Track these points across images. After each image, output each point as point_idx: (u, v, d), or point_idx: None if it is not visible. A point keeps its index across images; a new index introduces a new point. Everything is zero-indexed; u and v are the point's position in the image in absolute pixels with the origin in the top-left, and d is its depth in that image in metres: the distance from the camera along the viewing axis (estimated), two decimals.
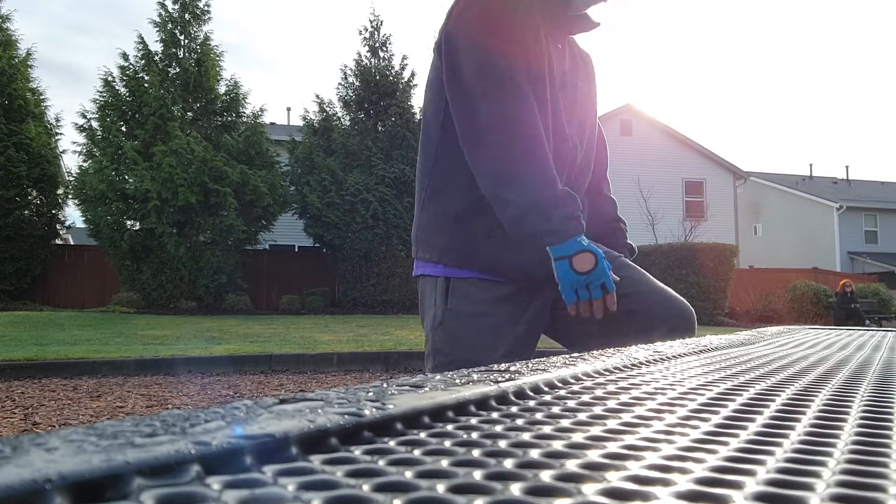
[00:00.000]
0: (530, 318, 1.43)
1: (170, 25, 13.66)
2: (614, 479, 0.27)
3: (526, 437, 0.35)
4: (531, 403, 0.45)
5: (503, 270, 1.38)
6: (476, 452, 0.31)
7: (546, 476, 0.27)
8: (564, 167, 1.41)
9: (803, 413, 0.45)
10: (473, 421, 0.39)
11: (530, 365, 0.63)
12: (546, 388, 0.52)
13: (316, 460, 0.29)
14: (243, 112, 14.29)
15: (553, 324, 1.49)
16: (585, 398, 0.48)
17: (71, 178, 13.69)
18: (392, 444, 0.33)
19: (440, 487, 0.25)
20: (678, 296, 1.44)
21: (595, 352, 0.81)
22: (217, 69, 14.06)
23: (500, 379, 0.51)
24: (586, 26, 1.50)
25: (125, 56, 13.47)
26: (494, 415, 0.41)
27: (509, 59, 1.29)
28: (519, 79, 1.29)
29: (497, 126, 1.27)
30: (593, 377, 0.59)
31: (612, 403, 0.46)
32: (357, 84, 14.72)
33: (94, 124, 13.14)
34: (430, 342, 1.43)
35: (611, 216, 1.65)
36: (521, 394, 0.48)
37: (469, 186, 1.35)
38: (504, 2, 1.34)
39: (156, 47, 13.73)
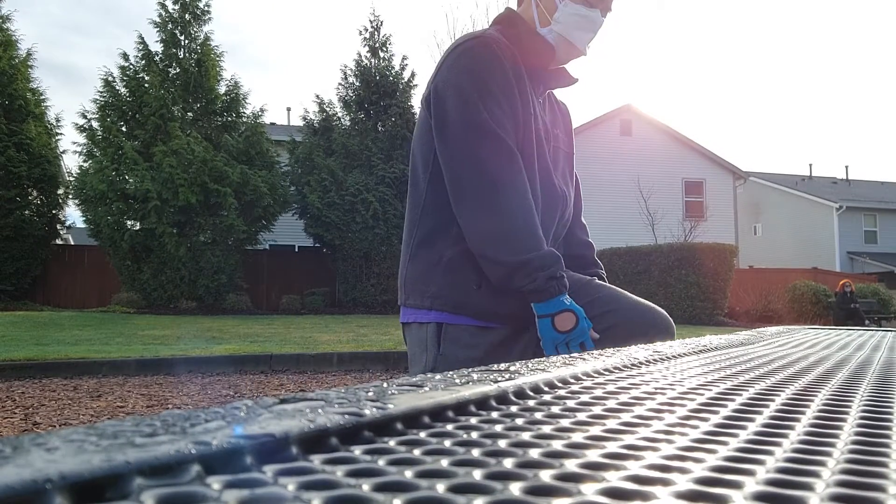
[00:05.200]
0: (518, 356, 1.45)
1: (170, 26, 13.65)
2: (614, 478, 0.27)
3: (526, 436, 0.35)
4: (531, 403, 0.45)
5: (496, 318, 1.41)
6: (476, 452, 0.31)
7: (546, 476, 0.27)
8: (555, 216, 1.48)
9: (803, 413, 0.45)
10: (473, 421, 0.39)
11: (530, 365, 0.63)
12: (546, 388, 0.52)
13: (316, 460, 0.29)
14: (243, 112, 14.29)
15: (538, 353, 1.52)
16: (585, 398, 0.48)
17: (71, 179, 13.69)
18: (392, 443, 0.33)
19: (440, 487, 0.25)
20: (655, 306, 1.47)
21: (595, 351, 0.81)
22: (217, 69, 14.06)
23: (499, 379, 0.51)
24: (566, 81, 1.56)
25: (125, 56, 13.46)
26: (494, 414, 0.41)
27: (497, 115, 1.33)
28: (505, 136, 1.32)
29: (484, 185, 1.30)
30: (593, 377, 0.59)
31: (611, 403, 0.46)
32: (357, 84, 14.72)
33: (95, 124, 13.13)
34: None
35: (589, 260, 1.70)
36: (520, 393, 0.48)
37: (459, 237, 1.38)
38: (492, 56, 1.37)
39: (156, 47, 13.73)
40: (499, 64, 1.37)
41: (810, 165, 43.99)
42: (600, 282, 1.54)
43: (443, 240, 1.40)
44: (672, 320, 1.47)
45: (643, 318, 1.43)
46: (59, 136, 14.84)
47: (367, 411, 0.36)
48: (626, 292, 1.50)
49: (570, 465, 0.29)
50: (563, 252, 1.62)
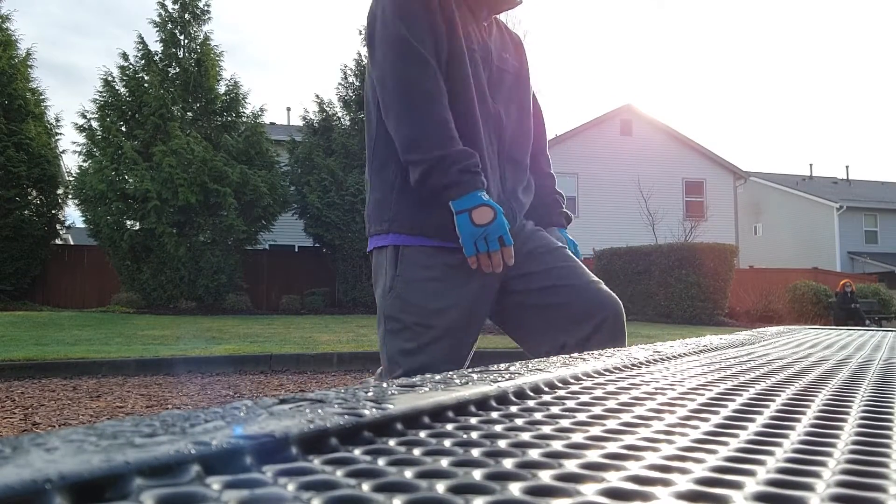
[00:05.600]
0: (478, 287, 1.47)
1: (170, 25, 13.64)
2: (614, 479, 0.27)
3: (525, 437, 0.35)
4: (531, 403, 0.45)
5: (450, 236, 1.43)
6: (476, 452, 0.31)
7: (546, 476, 0.27)
8: (494, 134, 1.50)
9: (803, 413, 0.45)
10: (473, 421, 0.39)
11: (530, 365, 0.63)
12: (546, 388, 0.52)
13: (316, 460, 0.29)
14: (243, 112, 14.29)
15: (498, 309, 1.56)
16: (585, 398, 0.48)
17: (71, 178, 13.69)
18: (392, 444, 0.33)
19: (440, 487, 0.25)
20: (609, 291, 1.52)
21: (595, 352, 0.81)
22: (217, 69, 14.05)
23: (499, 379, 0.51)
24: (509, 4, 1.59)
25: (125, 56, 13.46)
26: (494, 415, 0.41)
27: (415, 31, 1.39)
28: (422, 51, 1.38)
29: (401, 93, 1.38)
30: (593, 377, 0.59)
31: (611, 403, 0.46)
32: (357, 84, 14.72)
33: (94, 124, 13.13)
34: (380, 309, 1.49)
35: (550, 189, 1.76)
36: (520, 394, 0.48)
37: None
38: None
39: (156, 47, 13.73)
40: None
41: (811, 165, 44.06)
42: (569, 252, 1.59)
43: (395, 165, 1.45)
44: (622, 306, 1.52)
45: (595, 298, 1.48)
46: (58, 136, 14.84)
47: (366, 412, 0.36)
48: (586, 270, 1.54)
49: (570, 466, 0.29)
50: (528, 180, 1.63)
